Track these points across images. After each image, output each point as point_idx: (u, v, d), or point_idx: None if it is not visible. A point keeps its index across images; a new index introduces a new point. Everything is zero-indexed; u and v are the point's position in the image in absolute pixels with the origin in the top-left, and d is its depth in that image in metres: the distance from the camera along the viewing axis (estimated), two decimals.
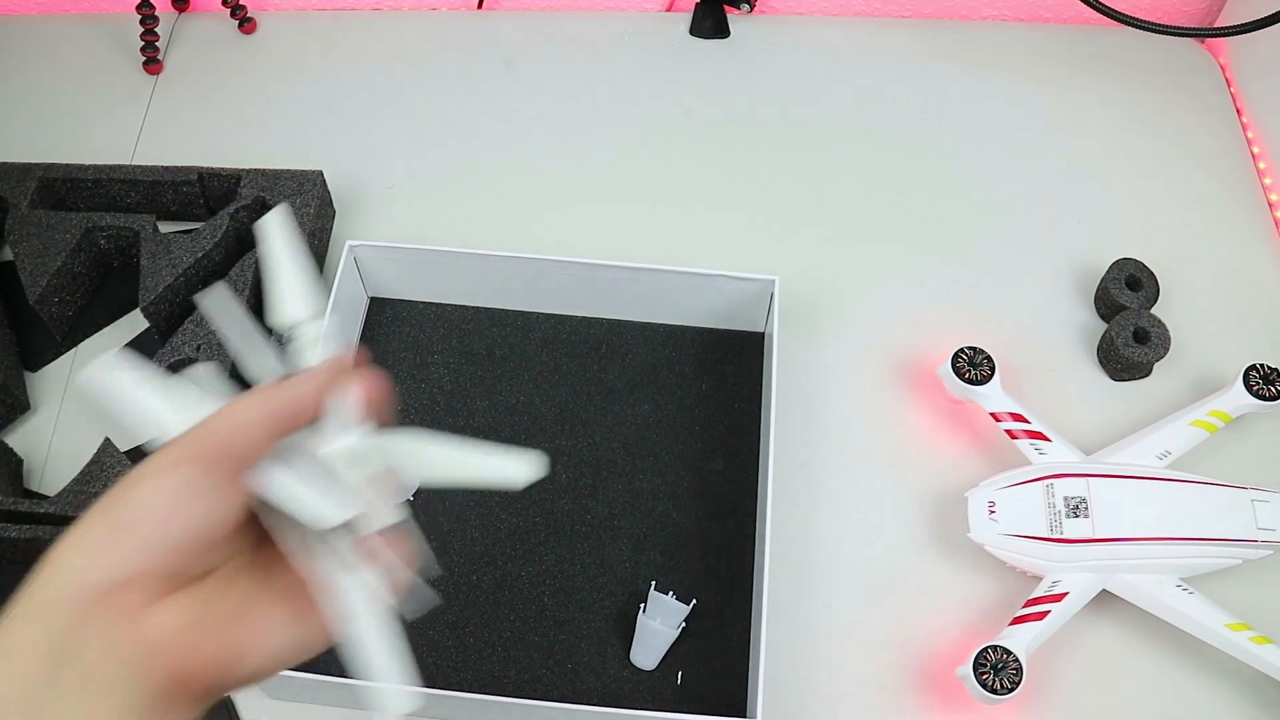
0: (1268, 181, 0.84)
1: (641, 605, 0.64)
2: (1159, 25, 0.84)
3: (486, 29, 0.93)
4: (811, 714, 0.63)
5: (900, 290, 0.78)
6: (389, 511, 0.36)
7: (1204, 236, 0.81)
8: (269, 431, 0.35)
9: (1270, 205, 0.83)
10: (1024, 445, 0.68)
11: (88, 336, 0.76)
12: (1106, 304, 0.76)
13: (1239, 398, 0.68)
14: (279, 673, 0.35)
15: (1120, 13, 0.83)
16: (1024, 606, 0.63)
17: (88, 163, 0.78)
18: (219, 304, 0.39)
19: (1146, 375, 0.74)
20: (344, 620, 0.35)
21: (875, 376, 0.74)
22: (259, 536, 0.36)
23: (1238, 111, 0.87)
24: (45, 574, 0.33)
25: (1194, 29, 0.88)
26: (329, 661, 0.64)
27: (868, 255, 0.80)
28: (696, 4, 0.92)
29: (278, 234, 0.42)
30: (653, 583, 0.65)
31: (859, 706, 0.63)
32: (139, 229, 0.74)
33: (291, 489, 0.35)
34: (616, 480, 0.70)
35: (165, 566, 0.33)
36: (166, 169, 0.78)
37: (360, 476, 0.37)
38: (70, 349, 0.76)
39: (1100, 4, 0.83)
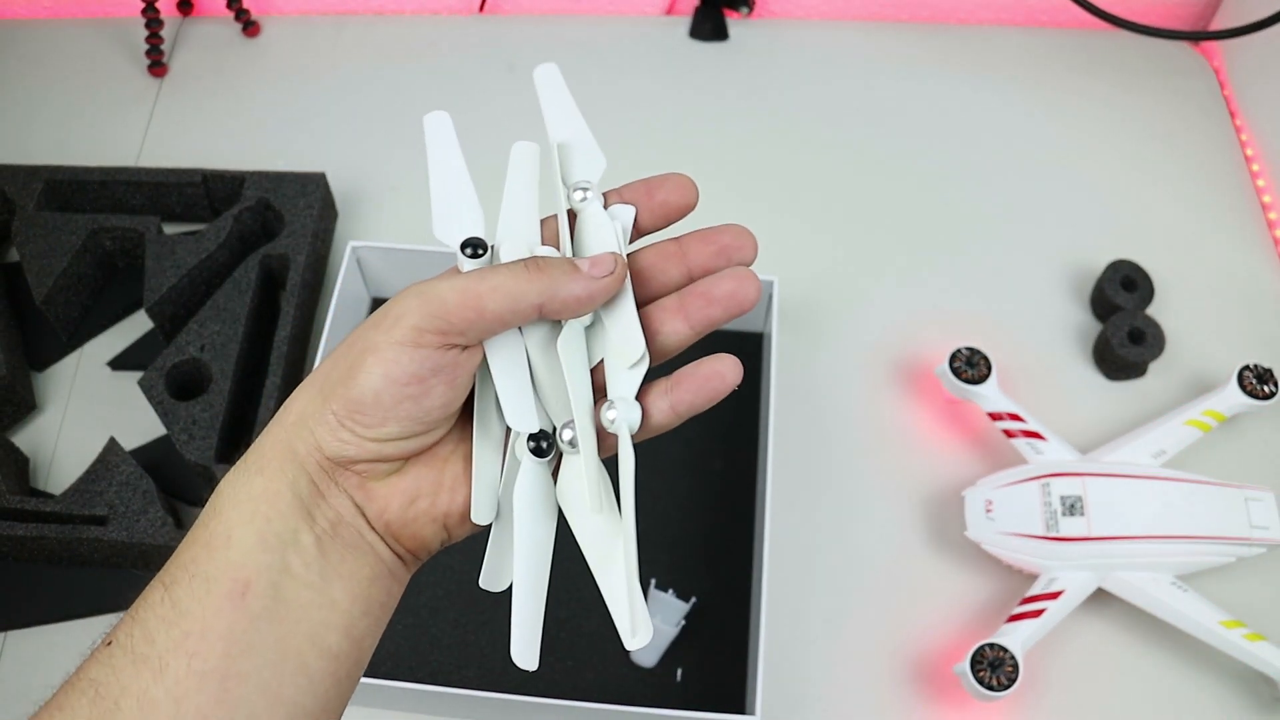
0: (1261, 183, 0.84)
1: None
2: (1153, 28, 0.84)
3: (488, 32, 0.93)
4: (810, 710, 0.64)
5: (898, 291, 0.79)
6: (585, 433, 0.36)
7: (1198, 238, 0.81)
8: (519, 319, 0.35)
9: (1264, 207, 0.83)
10: (1021, 444, 0.68)
11: (93, 336, 0.77)
12: (1102, 305, 0.76)
13: (1233, 397, 0.69)
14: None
15: (1115, 16, 0.84)
16: (1020, 604, 0.63)
17: (93, 165, 0.78)
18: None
19: (1141, 375, 0.75)
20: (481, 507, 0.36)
21: (873, 376, 0.75)
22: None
23: (1231, 114, 0.88)
24: (284, 436, 0.35)
25: (1188, 32, 0.89)
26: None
27: (866, 256, 0.80)
28: (696, 7, 0.93)
29: (557, 86, 0.41)
30: (652, 581, 0.65)
31: (857, 703, 0.64)
32: (144, 230, 0.75)
33: (503, 378, 0.36)
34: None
35: (394, 451, 0.35)
36: (171, 171, 0.78)
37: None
38: (76, 349, 0.76)
39: (1095, 7, 0.84)
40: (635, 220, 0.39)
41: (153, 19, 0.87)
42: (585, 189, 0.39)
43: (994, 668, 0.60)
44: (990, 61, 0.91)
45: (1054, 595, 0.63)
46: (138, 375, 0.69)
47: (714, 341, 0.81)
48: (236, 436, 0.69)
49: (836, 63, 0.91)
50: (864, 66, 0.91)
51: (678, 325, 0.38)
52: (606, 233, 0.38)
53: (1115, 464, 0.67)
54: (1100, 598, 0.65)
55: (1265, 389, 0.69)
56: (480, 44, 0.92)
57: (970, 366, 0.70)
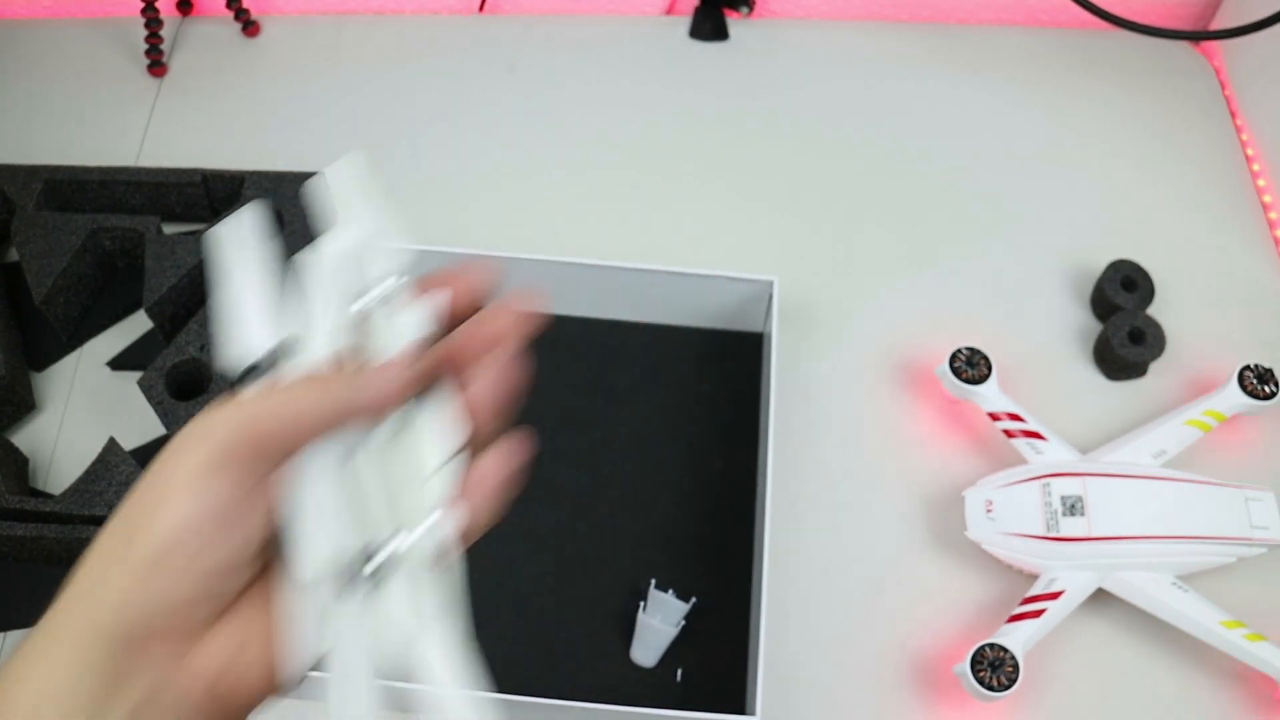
0: (1261, 183, 0.84)
1: (641, 603, 0.65)
2: (1153, 28, 0.84)
3: (488, 32, 0.93)
4: (810, 711, 0.64)
5: (898, 291, 0.79)
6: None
7: (1199, 238, 0.81)
8: (321, 431, 0.33)
9: (1264, 207, 0.83)
10: (1021, 444, 0.68)
11: (92, 336, 0.77)
12: (1102, 304, 0.76)
13: (1233, 397, 0.69)
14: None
15: (1115, 16, 0.84)
16: (1021, 604, 0.63)
17: (93, 165, 0.78)
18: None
19: (1142, 375, 0.75)
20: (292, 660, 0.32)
21: (873, 376, 0.75)
22: None
23: (1232, 114, 0.88)
24: (76, 606, 0.31)
25: (1188, 32, 0.89)
26: None
27: (866, 256, 0.80)
28: (696, 7, 0.93)
29: (355, 176, 0.37)
30: (652, 581, 0.65)
31: (857, 703, 0.64)
32: (143, 230, 0.75)
33: (300, 512, 0.32)
34: (616, 480, 0.71)
35: (203, 598, 0.31)
36: (171, 171, 0.78)
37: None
38: (75, 349, 0.76)
39: (1096, 7, 0.84)
40: (447, 306, 0.37)
41: (152, 19, 0.87)
42: (381, 289, 0.36)
43: (994, 668, 0.60)
44: (990, 61, 0.91)
45: (1054, 595, 0.62)
46: (137, 375, 0.69)
47: (713, 341, 0.81)
48: None
49: (837, 63, 0.91)
50: (864, 66, 0.91)
51: (483, 417, 0.36)
52: (404, 331, 0.36)
53: (1116, 464, 0.67)
54: (1101, 598, 0.64)
55: (1266, 389, 0.69)
56: (480, 44, 0.92)
57: (970, 366, 0.70)
